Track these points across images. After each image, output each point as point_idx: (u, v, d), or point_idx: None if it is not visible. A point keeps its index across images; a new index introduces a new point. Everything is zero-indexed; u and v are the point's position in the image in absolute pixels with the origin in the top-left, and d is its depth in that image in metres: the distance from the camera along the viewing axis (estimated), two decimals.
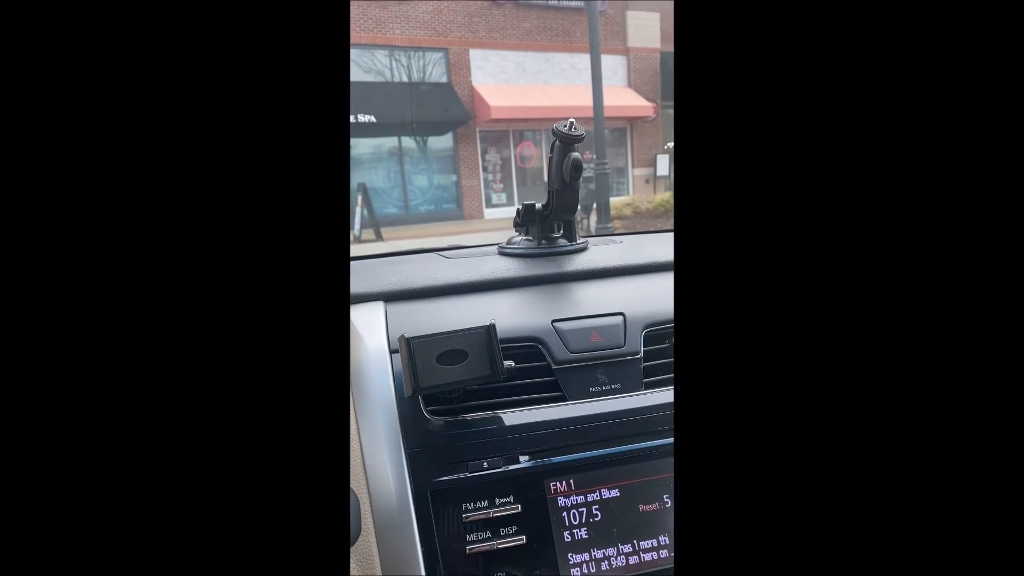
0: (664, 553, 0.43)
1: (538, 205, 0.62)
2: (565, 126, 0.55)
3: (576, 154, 0.56)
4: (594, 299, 0.54)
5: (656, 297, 0.55)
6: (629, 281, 0.58)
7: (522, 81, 8.65)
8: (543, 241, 0.63)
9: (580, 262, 0.60)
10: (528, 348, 0.48)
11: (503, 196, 9.07)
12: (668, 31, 9.25)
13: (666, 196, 7.47)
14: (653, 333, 0.51)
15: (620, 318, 0.51)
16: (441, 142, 8.71)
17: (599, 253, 0.63)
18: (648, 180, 9.34)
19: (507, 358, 0.46)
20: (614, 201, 6.95)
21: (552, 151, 0.57)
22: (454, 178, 8.77)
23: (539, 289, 0.56)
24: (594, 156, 5.25)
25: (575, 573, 0.41)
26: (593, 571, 0.42)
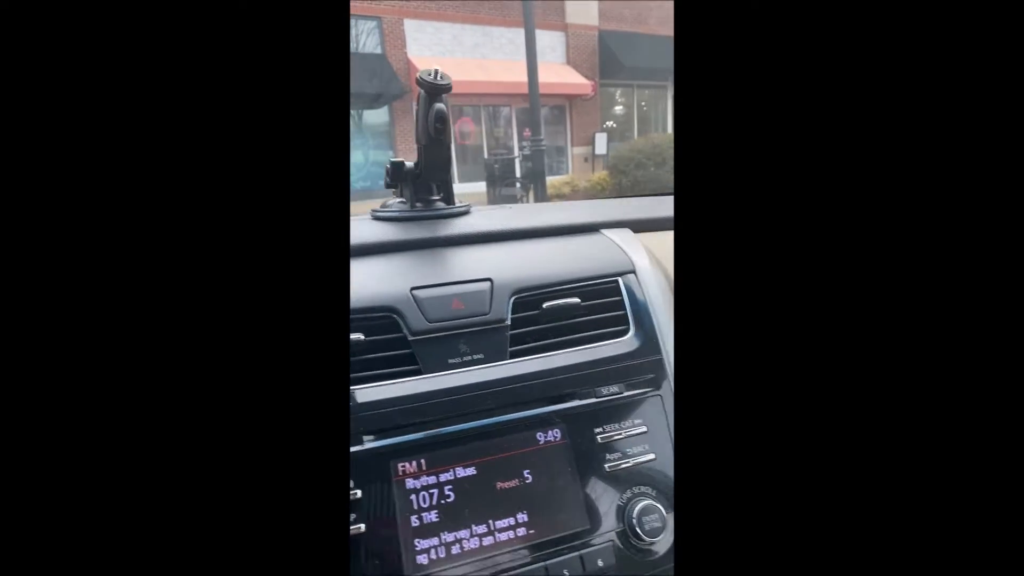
0: (521, 531, 0.40)
1: (408, 163, 0.57)
2: (430, 74, 0.50)
3: (440, 105, 0.51)
4: (463, 265, 0.50)
5: (530, 262, 0.51)
6: (505, 247, 0.55)
7: (459, 55, 8.41)
8: (418, 204, 0.58)
9: (455, 226, 0.56)
10: (382, 319, 0.44)
11: None
12: (605, 9, 9.25)
13: (603, 175, 7.55)
14: (523, 300, 0.48)
15: (487, 284, 0.47)
16: (377, 116, 8.37)
17: (480, 218, 0.59)
18: (587, 159, 9.40)
19: (357, 330, 0.42)
20: (553, 180, 6.94)
21: (418, 102, 0.52)
22: (391, 154, 8.48)
23: (405, 255, 0.51)
24: (531, 133, 5.21)
25: (422, 560, 0.38)
26: (443, 556, 0.39)
